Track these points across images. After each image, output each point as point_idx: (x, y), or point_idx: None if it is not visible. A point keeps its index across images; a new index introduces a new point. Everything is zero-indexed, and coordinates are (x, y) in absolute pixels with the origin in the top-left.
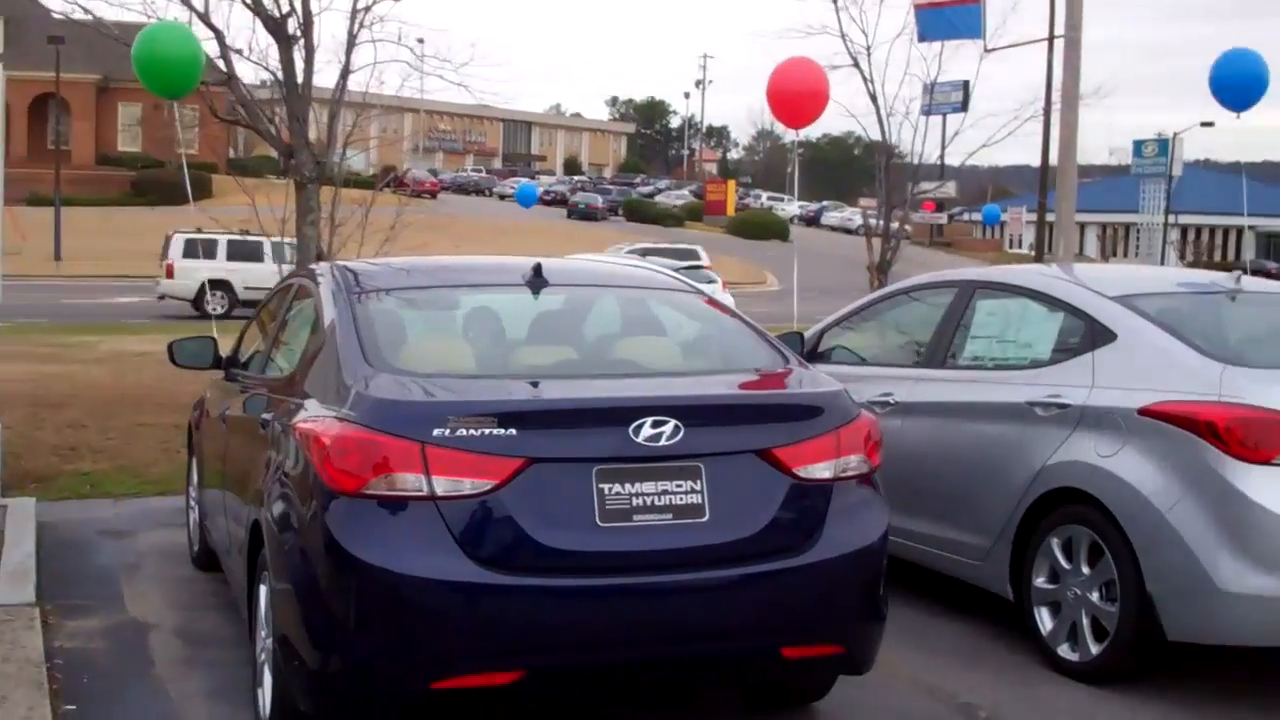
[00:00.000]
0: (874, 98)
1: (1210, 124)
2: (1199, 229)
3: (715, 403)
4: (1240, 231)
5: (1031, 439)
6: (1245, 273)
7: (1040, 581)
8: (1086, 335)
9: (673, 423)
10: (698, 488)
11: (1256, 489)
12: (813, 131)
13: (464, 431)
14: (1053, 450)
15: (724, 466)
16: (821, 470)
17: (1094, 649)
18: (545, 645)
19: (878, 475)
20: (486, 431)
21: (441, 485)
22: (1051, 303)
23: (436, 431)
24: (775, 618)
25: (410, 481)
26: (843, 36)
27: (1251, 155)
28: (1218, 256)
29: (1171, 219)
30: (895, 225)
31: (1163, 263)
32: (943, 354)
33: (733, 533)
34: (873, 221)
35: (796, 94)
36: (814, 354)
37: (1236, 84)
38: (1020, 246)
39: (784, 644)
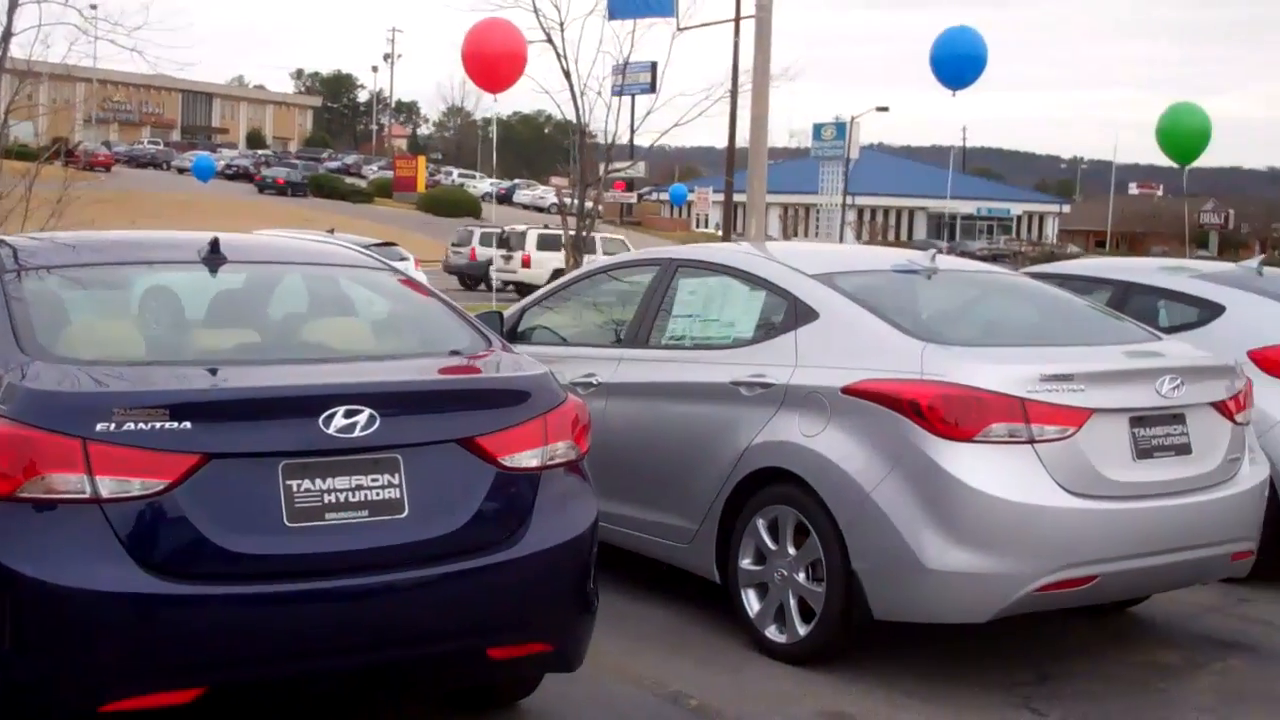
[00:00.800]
0: (567, 75)
1: (885, 109)
2: (874, 210)
3: (413, 389)
4: (912, 212)
5: (736, 419)
6: (940, 251)
7: (747, 563)
8: (789, 314)
9: (367, 412)
10: (395, 481)
11: (959, 466)
12: (504, 109)
13: (132, 425)
14: (757, 430)
15: (424, 458)
16: (528, 459)
17: (801, 630)
18: (229, 659)
19: (585, 462)
20: (158, 425)
21: (107, 486)
22: (754, 281)
23: (100, 426)
24: (480, 617)
25: (71, 482)
26: (535, 11)
27: (921, 140)
28: (892, 236)
29: (849, 200)
30: (590, 204)
31: (841, 243)
32: (646, 333)
33: (434, 529)
34: (567, 200)
35: (495, 56)
36: (514, 334)
37: (955, 62)
38: (707, 226)
39: (490, 645)
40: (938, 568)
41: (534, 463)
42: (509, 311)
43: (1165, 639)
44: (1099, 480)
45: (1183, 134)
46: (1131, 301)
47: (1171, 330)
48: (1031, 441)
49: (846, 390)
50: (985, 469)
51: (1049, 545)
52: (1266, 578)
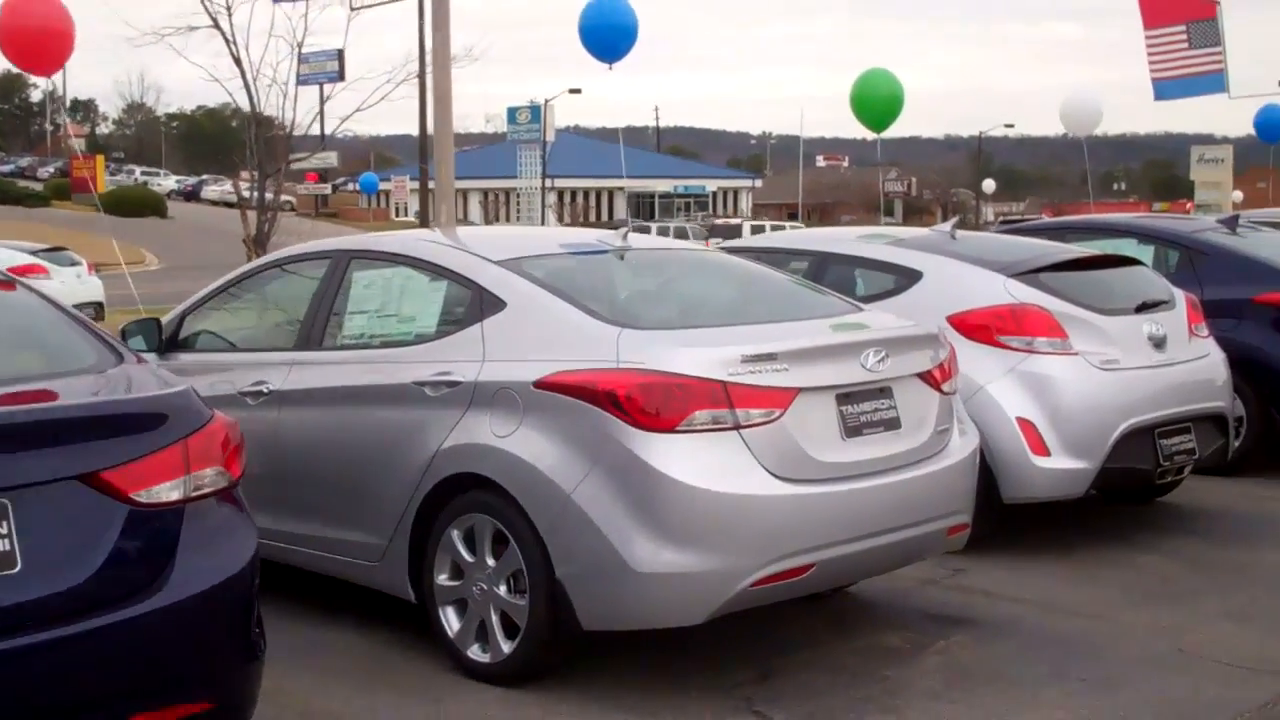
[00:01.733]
0: (238, 61)
1: (578, 91)
2: (574, 192)
3: (18, 421)
4: (612, 193)
5: (423, 423)
6: (630, 229)
7: (443, 579)
8: (474, 304)
9: None
10: (4, 531)
11: (663, 459)
12: (187, 102)
13: None
14: (446, 433)
15: (38, 501)
16: (167, 492)
17: (506, 647)
18: None
19: (239, 489)
20: None
21: None
22: (434, 270)
23: None
24: (119, 681)
25: None
26: None
27: (616, 121)
28: (594, 217)
29: (549, 183)
30: (271, 196)
31: (543, 225)
32: (320, 334)
33: (55, 584)
34: (245, 194)
35: (36, 33)
36: (175, 342)
37: (604, 33)
38: (407, 215)
39: (135, 710)
40: (647, 570)
41: (175, 496)
42: (167, 317)
43: (886, 619)
44: (809, 463)
45: (876, 101)
46: (829, 272)
47: (871, 299)
48: (737, 427)
49: (539, 384)
50: (691, 460)
51: (762, 536)
52: (979, 545)
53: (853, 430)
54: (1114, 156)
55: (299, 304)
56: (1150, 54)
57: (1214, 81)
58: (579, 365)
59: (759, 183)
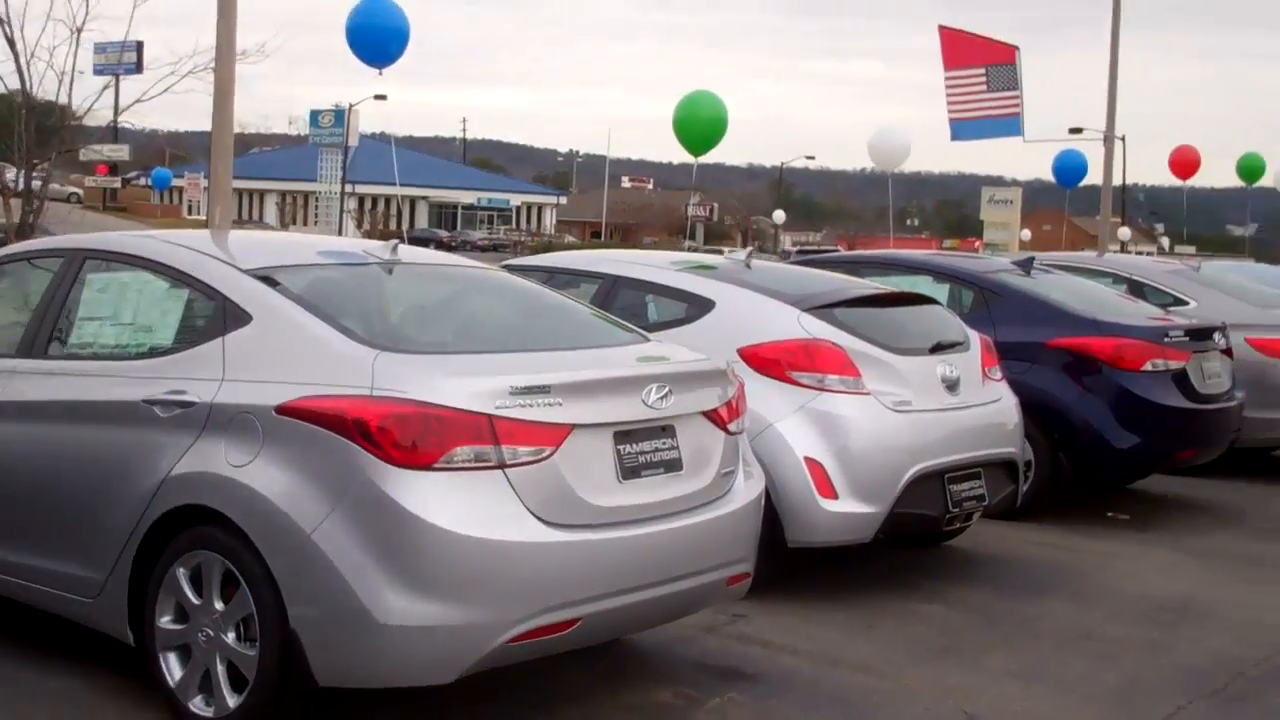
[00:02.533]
0: (12, 43)
1: (383, 98)
2: (375, 199)
3: None
4: (414, 201)
5: (152, 446)
6: (404, 240)
7: (165, 621)
8: (217, 317)
9: None
10: None
11: (416, 500)
12: None
13: None
14: (176, 459)
15: None
16: None
17: (231, 701)
18: None
19: None
20: None
21: None
22: (175, 276)
23: None
24: None
25: None
26: None
27: (424, 130)
28: (394, 225)
29: (349, 188)
30: (40, 184)
31: (341, 232)
32: (45, 341)
33: None
34: (10, 183)
35: None
36: None
37: (373, 37)
38: (200, 213)
39: None
40: (392, 622)
41: None
42: None
43: (661, 672)
44: (581, 507)
45: (699, 123)
46: (620, 297)
47: (662, 327)
48: (502, 466)
49: (282, 410)
50: (448, 501)
51: (524, 588)
52: (762, 590)
53: (630, 472)
54: (909, 193)
55: (24, 306)
56: (949, 95)
57: (1010, 124)
58: (328, 390)
59: (564, 199)
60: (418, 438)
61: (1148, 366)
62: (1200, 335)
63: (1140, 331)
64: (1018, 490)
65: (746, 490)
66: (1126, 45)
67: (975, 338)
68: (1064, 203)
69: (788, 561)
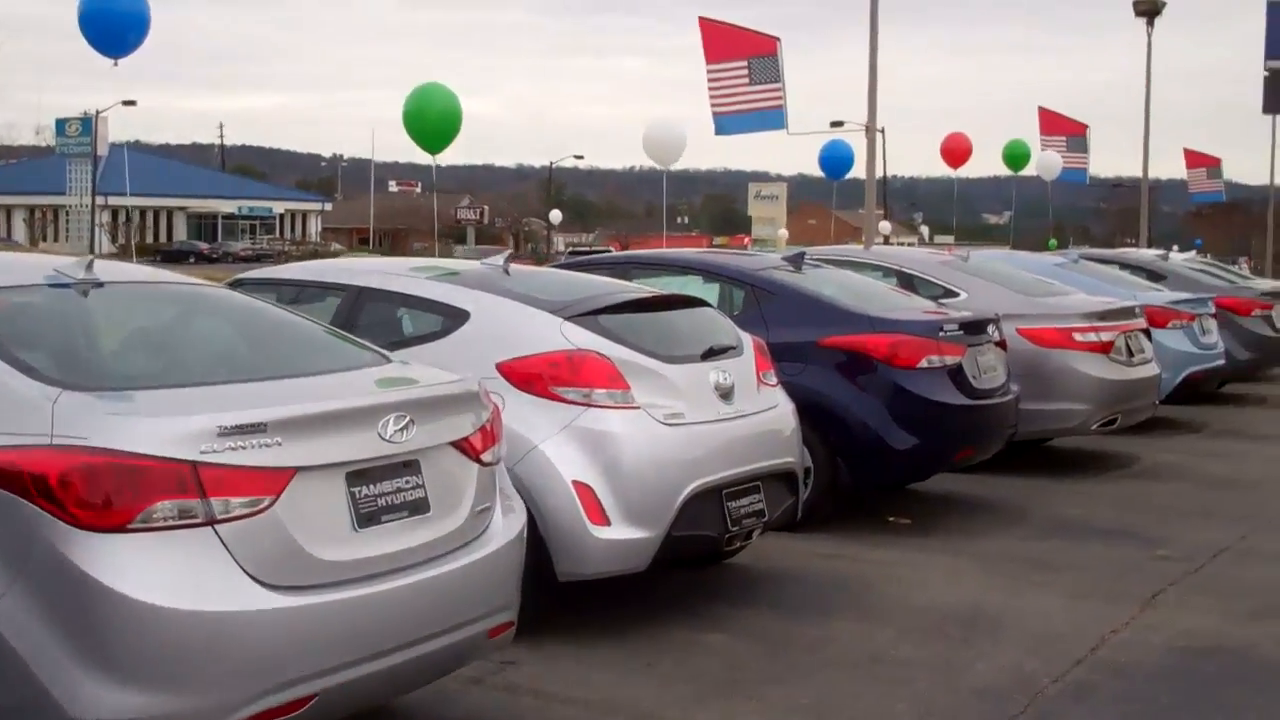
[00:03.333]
0: None
1: (132, 103)
2: (130, 210)
3: None
4: (171, 212)
5: None
6: (157, 258)
7: None
8: None
9: None
10: None
11: (109, 568)
12: None
13: None
14: None
15: None
16: None
17: None
18: None
19: None
20: None
21: None
22: None
23: None
24: None
25: None
26: None
27: (180, 138)
28: (150, 238)
29: (101, 200)
30: None
31: (94, 247)
32: None
33: None
34: None
35: None
36: None
37: (107, 23)
38: None
39: None
40: (89, 717)
41: None
42: None
43: None
44: (309, 564)
45: (430, 119)
46: (366, 310)
47: (411, 343)
48: (212, 522)
49: None
50: (147, 569)
51: (245, 665)
52: (533, 631)
53: (367, 518)
54: (677, 191)
55: None
56: (712, 88)
57: (774, 117)
58: (1, 441)
59: (329, 206)
60: (108, 494)
61: (924, 363)
62: (974, 328)
63: (915, 327)
64: (798, 502)
65: (506, 528)
66: (889, 41)
67: (748, 341)
68: (827, 196)
69: (560, 597)
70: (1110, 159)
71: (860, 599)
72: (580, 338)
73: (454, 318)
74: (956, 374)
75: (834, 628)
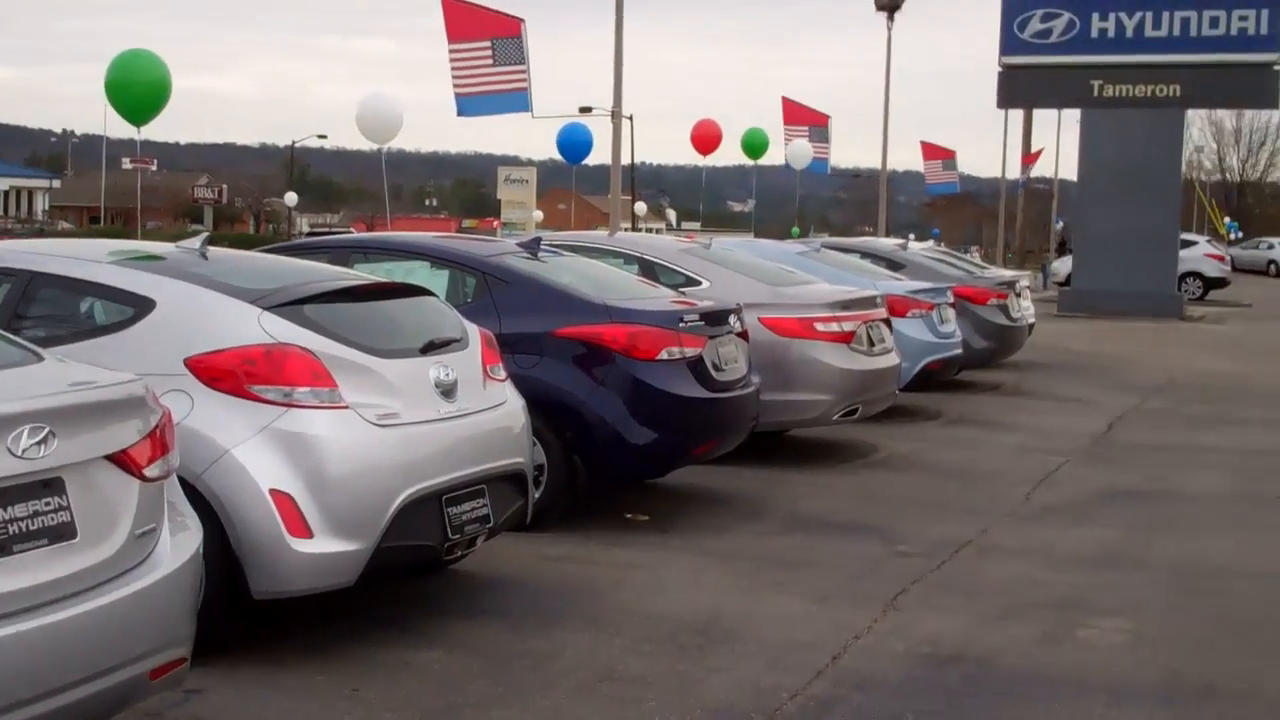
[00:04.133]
0: None
1: None
2: None
3: None
4: None
5: None
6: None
7: None
8: None
9: None
10: None
11: None
12: None
13: None
14: None
15: None
16: None
17: None
18: None
19: None
20: None
21: None
22: None
23: None
24: None
25: None
26: None
27: None
28: None
29: None
30: None
31: None
32: None
33: None
34: None
35: None
36: None
37: None
38: None
39: None
40: None
41: None
42: None
43: None
44: None
45: (133, 88)
46: (39, 300)
47: (86, 337)
48: None
49: None
50: None
51: None
52: (224, 652)
53: None
54: (427, 173)
55: None
56: (454, 69)
57: (518, 100)
58: None
59: (58, 183)
60: None
61: (663, 355)
62: (716, 319)
63: (654, 317)
64: (528, 504)
65: (176, 550)
66: (642, 28)
67: (475, 332)
68: (578, 181)
69: (256, 618)
70: (851, 150)
71: (591, 606)
72: (281, 330)
73: (138, 307)
74: (697, 366)
75: (561, 639)
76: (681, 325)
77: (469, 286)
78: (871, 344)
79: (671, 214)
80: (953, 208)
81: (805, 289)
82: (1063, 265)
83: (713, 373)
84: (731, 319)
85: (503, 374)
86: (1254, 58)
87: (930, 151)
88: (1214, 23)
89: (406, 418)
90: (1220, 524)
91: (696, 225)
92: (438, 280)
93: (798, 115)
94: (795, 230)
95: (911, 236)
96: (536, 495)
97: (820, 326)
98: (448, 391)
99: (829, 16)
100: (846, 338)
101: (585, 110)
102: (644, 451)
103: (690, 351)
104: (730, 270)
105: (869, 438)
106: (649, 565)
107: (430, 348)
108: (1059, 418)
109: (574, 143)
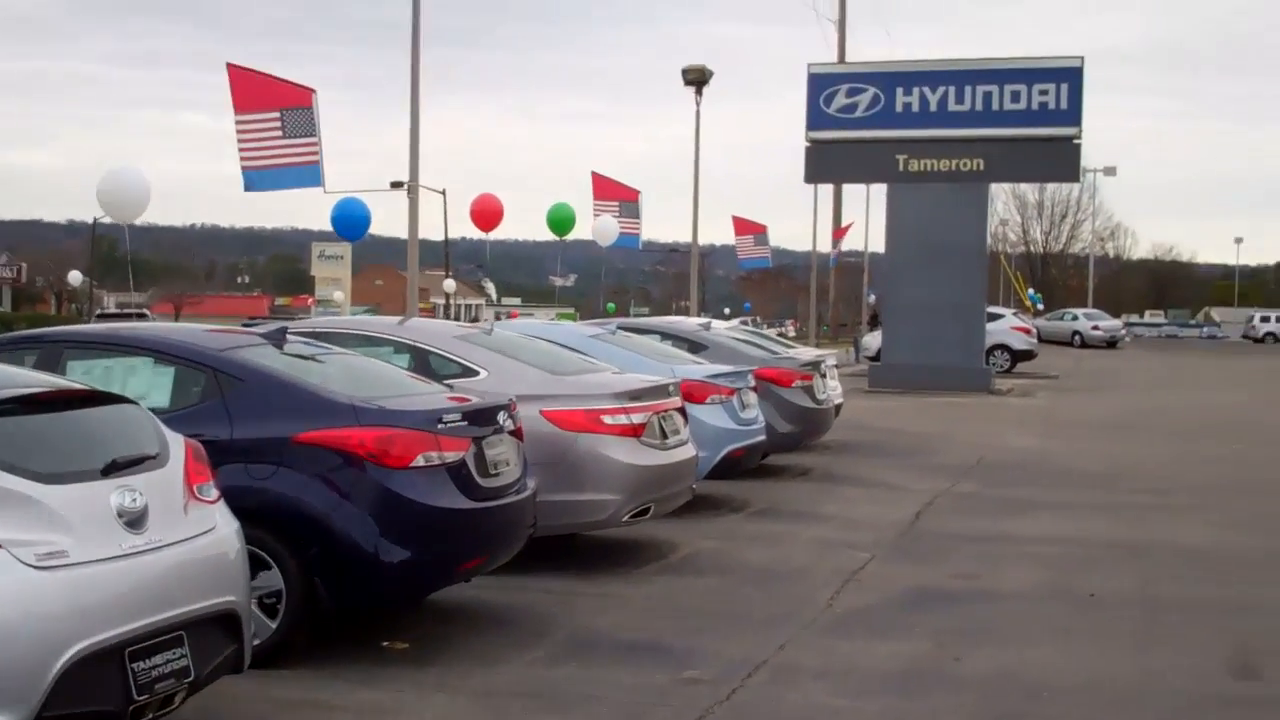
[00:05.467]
0: None
1: None
2: None
3: None
4: None
5: None
6: None
7: None
8: None
9: None
10: None
11: None
12: None
13: None
14: None
15: None
16: None
17: None
18: None
19: None
20: None
21: None
22: None
23: None
24: None
25: None
26: None
27: None
28: None
29: None
30: None
31: None
32: None
33: None
34: None
35: None
36: None
37: None
38: None
39: None
40: None
41: None
42: None
43: None
44: None
45: None
46: None
47: None
48: None
49: None
50: None
51: None
52: None
53: None
54: (242, 249)
55: None
56: (241, 141)
57: (309, 174)
58: None
59: None
60: None
61: (419, 461)
62: (483, 417)
63: (409, 418)
64: (243, 648)
65: None
66: (464, 105)
67: (179, 445)
68: (398, 257)
69: None
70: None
71: None
72: None
73: None
74: (459, 472)
75: None
76: (441, 427)
77: (198, 385)
78: (664, 436)
79: (491, 289)
80: (767, 282)
81: (592, 378)
82: (874, 340)
83: (478, 479)
84: (501, 416)
85: (213, 494)
86: (1055, 131)
87: (742, 226)
88: (1015, 97)
89: (77, 556)
90: (1035, 630)
91: (518, 301)
92: (161, 379)
93: (607, 190)
94: (611, 306)
95: (726, 311)
96: (274, 625)
97: (608, 419)
98: (134, 521)
99: (653, 96)
100: (637, 430)
101: (397, 185)
102: (396, 572)
103: (451, 456)
104: (510, 358)
105: (669, 534)
106: (397, 710)
107: (113, 468)
108: (867, 506)
109: (349, 217)
